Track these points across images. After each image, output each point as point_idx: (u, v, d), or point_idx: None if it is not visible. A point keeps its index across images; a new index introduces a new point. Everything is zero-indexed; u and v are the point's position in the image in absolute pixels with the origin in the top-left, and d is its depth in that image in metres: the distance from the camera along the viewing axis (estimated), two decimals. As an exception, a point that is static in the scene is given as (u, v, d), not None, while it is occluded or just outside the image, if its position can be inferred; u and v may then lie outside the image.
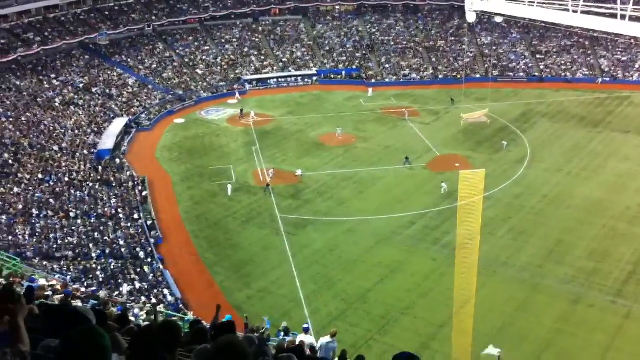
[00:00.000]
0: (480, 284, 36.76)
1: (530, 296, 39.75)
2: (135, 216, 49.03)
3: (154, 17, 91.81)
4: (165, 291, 38.69)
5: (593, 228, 47.91)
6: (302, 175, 57.36)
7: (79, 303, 22.36)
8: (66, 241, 43.30)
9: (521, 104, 77.59)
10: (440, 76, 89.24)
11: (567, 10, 40.57)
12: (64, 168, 55.69)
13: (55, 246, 42.41)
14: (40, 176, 52.68)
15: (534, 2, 44.17)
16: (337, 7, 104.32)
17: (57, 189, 51.21)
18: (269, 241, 47.08)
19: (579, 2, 32.12)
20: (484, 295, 37.07)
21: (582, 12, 40.63)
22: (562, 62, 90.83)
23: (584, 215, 49.96)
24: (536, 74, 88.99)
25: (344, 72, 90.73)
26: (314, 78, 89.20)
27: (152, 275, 40.84)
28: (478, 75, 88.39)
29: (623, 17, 38.60)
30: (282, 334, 25.61)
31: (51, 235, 43.57)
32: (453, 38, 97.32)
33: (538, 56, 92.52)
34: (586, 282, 40.97)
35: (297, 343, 17.49)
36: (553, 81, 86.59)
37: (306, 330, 23.14)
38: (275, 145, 65.88)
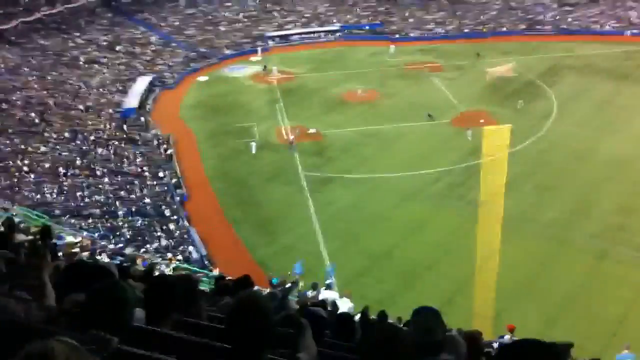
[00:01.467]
0: (505, 239, 36.74)
1: (555, 252, 39.50)
2: (161, 174, 49.44)
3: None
4: (191, 248, 39.15)
5: (620, 183, 47.24)
6: (316, 133, 57.08)
7: (105, 259, 22.80)
8: (93, 199, 43.87)
9: (548, 57, 76.10)
10: (465, 30, 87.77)
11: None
12: (90, 127, 56.12)
13: (82, 204, 42.98)
14: (66, 135, 53.15)
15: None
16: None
17: (84, 148, 51.71)
18: (293, 198, 47.22)
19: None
20: (508, 250, 36.98)
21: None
22: (590, 14, 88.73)
23: (610, 171, 49.22)
24: (564, 26, 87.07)
25: (367, 27, 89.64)
26: (337, 34, 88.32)
27: (177, 232, 41.32)
28: (504, 29, 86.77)
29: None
30: (311, 290, 25.81)
31: (78, 194, 44.12)
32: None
33: (566, 8, 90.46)
34: (613, 237, 40.52)
35: (319, 299, 17.60)
36: (581, 34, 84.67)
37: (329, 286, 23.29)
38: (299, 102, 65.61)
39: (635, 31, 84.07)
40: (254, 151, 54.26)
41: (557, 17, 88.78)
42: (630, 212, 43.19)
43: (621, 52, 76.94)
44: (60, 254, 14.87)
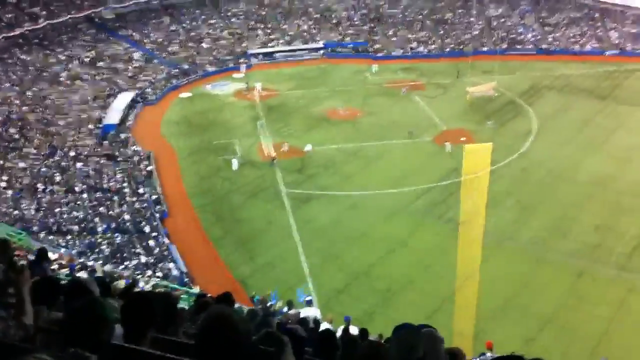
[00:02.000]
0: (485, 257, 36.88)
1: (534, 270, 39.83)
2: (141, 191, 49.23)
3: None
4: (171, 265, 38.94)
5: (599, 202, 47.79)
6: (310, 151, 57.25)
7: (84, 275, 22.60)
8: (72, 215, 43.55)
9: (529, 76, 76.95)
10: (447, 49, 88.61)
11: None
12: (70, 143, 55.81)
13: (60, 220, 42.64)
14: (46, 151, 52.81)
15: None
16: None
17: (63, 164, 51.36)
18: (273, 215, 47.19)
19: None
20: (488, 269, 37.06)
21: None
22: (571, 35, 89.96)
23: (590, 189, 49.78)
24: (544, 46, 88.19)
25: (350, 46, 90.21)
26: (321, 52, 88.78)
27: (157, 249, 41.11)
28: (486, 48, 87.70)
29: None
30: (287, 307, 25.77)
31: (57, 210, 43.80)
32: (461, 10, 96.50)
33: (547, 28, 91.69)
34: (591, 255, 40.98)
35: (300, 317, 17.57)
36: (561, 54, 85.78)
37: (309, 303, 23.29)
38: (281, 119, 65.71)
39: (615, 51, 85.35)
40: (235, 168, 54.21)
41: (538, 37, 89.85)
42: (608, 231, 43.67)
43: (601, 72, 77.98)
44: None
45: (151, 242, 41.69)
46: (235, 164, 54.54)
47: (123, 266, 36.43)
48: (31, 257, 23.77)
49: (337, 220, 46.20)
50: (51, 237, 39.40)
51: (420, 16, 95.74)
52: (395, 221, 45.81)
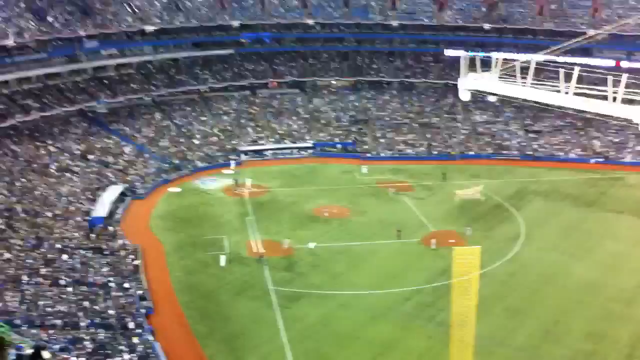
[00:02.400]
0: (476, 363, 36.17)
1: (527, 377, 39.10)
2: (127, 285, 48.37)
3: (153, 87, 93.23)
4: (157, 363, 37.84)
5: (589, 308, 47.51)
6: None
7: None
8: (55, 309, 42.53)
9: (515, 181, 78.12)
10: (434, 152, 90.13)
11: (559, 91, 41.30)
12: (57, 234, 55.25)
13: (44, 314, 41.60)
14: (32, 242, 52.16)
15: (526, 83, 44.94)
16: (334, 82, 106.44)
17: (49, 256, 50.65)
18: (261, 314, 46.40)
19: (571, 84, 32.77)
20: (480, 375, 36.38)
21: (575, 94, 41.41)
22: (556, 142, 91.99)
23: (579, 295, 49.60)
24: (529, 152, 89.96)
25: (339, 145, 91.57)
26: (310, 150, 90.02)
27: (141, 346, 39.96)
28: (472, 152, 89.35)
29: (614, 99, 39.26)
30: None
31: (40, 303, 42.81)
32: (447, 115, 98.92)
33: (531, 135, 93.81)
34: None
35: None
36: (546, 160, 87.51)
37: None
38: (270, 216, 65.77)
39: (599, 159, 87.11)
40: (223, 264, 53.78)
41: (523, 144, 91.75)
42: (600, 339, 43.17)
43: (586, 179, 79.26)
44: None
45: (135, 339, 40.56)
46: (222, 260, 54.17)
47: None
48: (12, 352, 23.09)
49: (326, 320, 45.50)
50: (34, 330, 38.31)
51: (407, 120, 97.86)
52: (385, 322, 45.22)
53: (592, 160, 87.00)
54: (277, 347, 41.85)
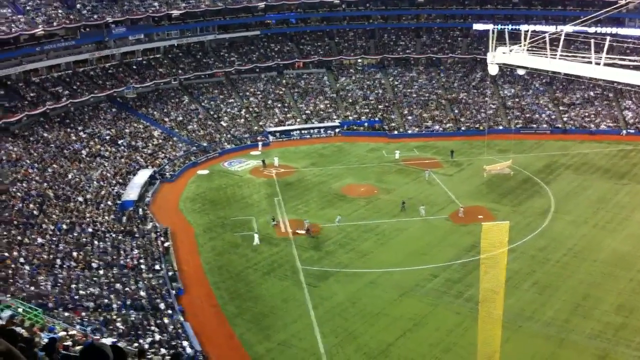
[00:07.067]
0: (505, 338, 36.08)
1: (555, 351, 38.84)
2: (157, 267, 49.08)
3: (180, 71, 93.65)
4: (185, 343, 38.37)
5: (620, 282, 47.01)
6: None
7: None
8: (88, 292, 43.33)
9: (544, 155, 77.29)
10: (462, 128, 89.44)
11: (590, 62, 40.58)
12: (88, 219, 56.15)
13: (76, 297, 42.40)
14: (64, 227, 53.09)
15: (556, 55, 44.21)
16: (360, 61, 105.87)
17: (81, 240, 51.54)
18: (290, 293, 46.76)
19: (602, 55, 32.10)
20: (508, 350, 36.29)
21: (605, 65, 40.63)
22: (586, 114, 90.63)
23: (610, 268, 49.09)
24: (559, 125, 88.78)
25: (366, 124, 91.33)
26: (337, 130, 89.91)
27: (172, 326, 40.59)
28: (501, 127, 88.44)
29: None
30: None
31: (73, 286, 43.62)
32: (475, 90, 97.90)
33: (561, 108, 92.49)
34: (613, 337, 39.93)
35: None
36: (577, 133, 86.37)
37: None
38: (298, 196, 66.01)
39: (631, 131, 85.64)
40: (256, 242, 54.31)
41: (553, 117, 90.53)
42: (631, 311, 42.75)
43: (617, 151, 78.10)
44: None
45: (166, 320, 41.20)
46: (256, 238, 54.68)
47: (137, 344, 35.89)
48: (45, 334, 23.62)
49: (354, 298, 45.63)
50: (67, 313, 39.08)
51: (435, 96, 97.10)
52: (413, 299, 45.23)
53: (624, 132, 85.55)
54: (306, 326, 42.15)
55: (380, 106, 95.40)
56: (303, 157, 79.42)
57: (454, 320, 42.46)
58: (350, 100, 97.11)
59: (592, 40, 29.48)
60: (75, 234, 52.54)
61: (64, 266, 46.47)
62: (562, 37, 31.82)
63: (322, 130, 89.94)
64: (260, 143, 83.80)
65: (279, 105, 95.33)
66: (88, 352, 5.98)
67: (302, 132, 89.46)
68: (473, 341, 35.29)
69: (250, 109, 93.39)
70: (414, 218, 59.34)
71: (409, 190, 66.73)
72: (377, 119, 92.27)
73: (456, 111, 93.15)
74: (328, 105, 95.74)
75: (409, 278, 48.19)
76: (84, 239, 51.82)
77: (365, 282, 48.00)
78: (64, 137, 74.22)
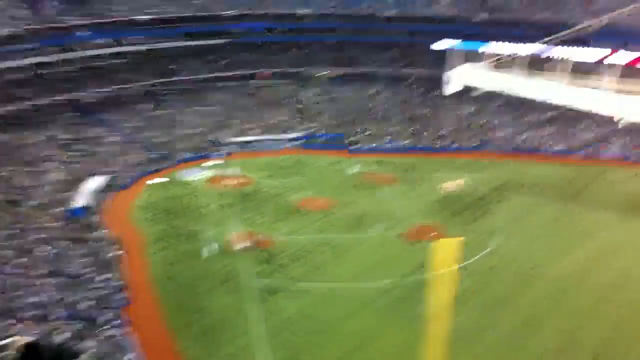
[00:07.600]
0: (453, 356, 36.26)
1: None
2: (104, 277, 48.23)
3: (143, 77, 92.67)
4: (130, 355, 37.75)
5: (566, 304, 47.59)
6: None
7: None
8: (29, 300, 42.35)
9: (499, 174, 77.93)
10: (420, 145, 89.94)
11: (552, 83, 41.10)
12: (36, 225, 54.98)
13: (19, 305, 41.41)
14: (9, 232, 51.91)
15: (514, 75, 44.72)
16: (325, 73, 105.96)
17: (26, 246, 50.38)
18: (239, 306, 46.32)
19: (564, 75, 32.56)
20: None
21: (568, 85, 41.25)
22: (542, 135, 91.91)
23: (558, 290, 49.65)
24: (515, 145, 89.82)
25: (328, 137, 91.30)
26: (298, 142, 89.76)
27: (115, 338, 39.89)
28: (458, 145, 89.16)
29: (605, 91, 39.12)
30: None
31: (15, 294, 42.59)
32: (435, 107, 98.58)
33: (517, 127, 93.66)
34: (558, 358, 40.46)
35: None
36: (532, 153, 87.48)
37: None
38: (254, 207, 65.55)
39: (583, 153, 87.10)
40: (207, 254, 53.77)
41: (509, 137, 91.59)
42: (570, 336, 43.25)
43: (569, 173, 79.12)
44: None
45: (110, 331, 40.47)
46: (206, 250, 54.03)
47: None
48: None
49: (305, 312, 45.46)
50: (6, 322, 38.12)
51: (396, 111, 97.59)
52: (363, 316, 45.23)
53: (576, 154, 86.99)
54: (255, 339, 41.83)
55: (342, 119, 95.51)
56: (262, 169, 78.97)
57: (403, 337, 42.50)
58: (313, 112, 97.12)
59: (557, 61, 30.04)
60: (20, 240, 51.37)
61: (6, 272, 45.39)
62: (524, 58, 32.38)
63: (283, 141, 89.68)
64: (220, 153, 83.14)
65: (242, 115, 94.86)
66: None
67: (264, 142, 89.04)
68: (423, 358, 35.42)
69: (213, 118, 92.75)
70: (368, 234, 59.35)
71: (365, 205, 66.72)
72: (338, 132, 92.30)
73: (418, 127, 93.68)
74: (291, 117, 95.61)
75: (361, 294, 48.14)
76: (29, 246, 50.68)
77: (317, 297, 47.82)
78: (18, 140, 72.77)
